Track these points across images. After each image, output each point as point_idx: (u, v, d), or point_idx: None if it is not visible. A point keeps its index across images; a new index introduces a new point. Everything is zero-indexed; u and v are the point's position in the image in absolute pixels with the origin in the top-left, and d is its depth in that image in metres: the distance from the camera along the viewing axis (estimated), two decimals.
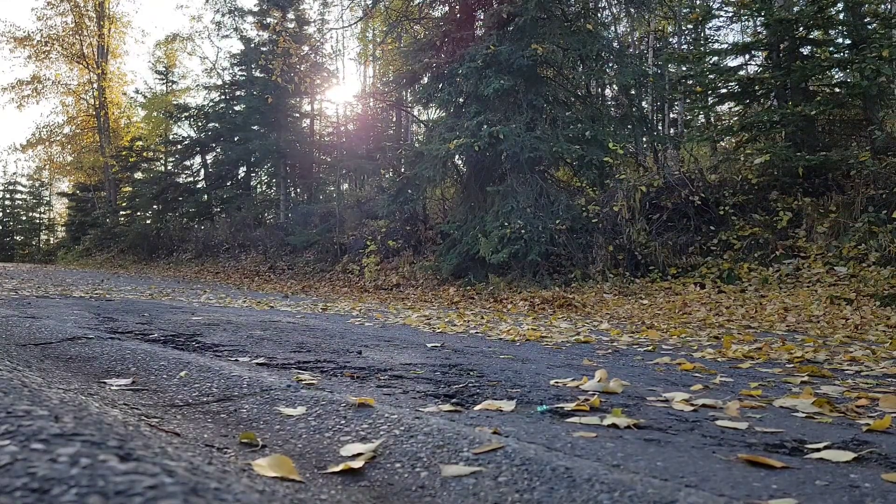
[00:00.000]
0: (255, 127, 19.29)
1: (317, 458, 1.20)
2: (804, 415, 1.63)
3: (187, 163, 23.46)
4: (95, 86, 27.26)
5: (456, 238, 10.00)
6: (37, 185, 40.04)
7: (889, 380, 2.33)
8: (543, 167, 9.90)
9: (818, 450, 1.25)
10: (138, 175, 25.83)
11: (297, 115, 20.41)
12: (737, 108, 11.55)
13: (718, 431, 1.42)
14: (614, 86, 12.91)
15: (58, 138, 29.21)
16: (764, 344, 3.40)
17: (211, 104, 21.87)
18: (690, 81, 10.23)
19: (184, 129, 23.83)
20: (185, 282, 12.64)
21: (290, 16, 19.35)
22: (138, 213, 24.34)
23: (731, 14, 13.45)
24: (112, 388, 1.74)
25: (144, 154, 25.48)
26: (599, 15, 12.25)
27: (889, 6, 12.28)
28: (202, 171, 22.88)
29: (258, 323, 3.70)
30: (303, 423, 1.39)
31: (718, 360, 2.82)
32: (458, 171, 11.35)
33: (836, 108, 9.03)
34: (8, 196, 38.89)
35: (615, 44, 12.91)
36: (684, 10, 14.09)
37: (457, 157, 10.62)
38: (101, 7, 26.79)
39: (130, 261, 21.13)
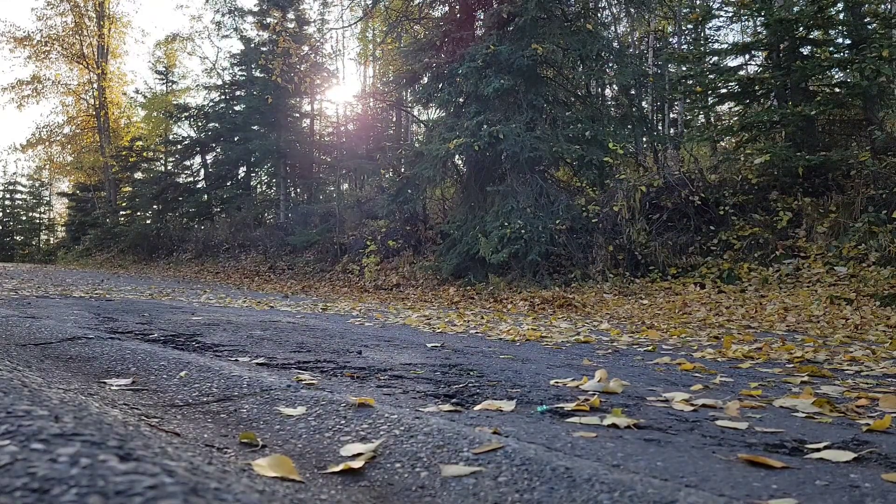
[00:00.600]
0: (255, 127, 19.30)
1: (317, 458, 1.20)
2: (804, 415, 1.63)
3: (187, 163, 23.47)
4: (95, 86, 27.27)
5: (456, 238, 10.00)
6: (37, 185, 40.04)
7: (889, 380, 2.33)
8: (543, 167, 9.90)
9: (818, 450, 1.25)
10: (138, 175, 25.83)
11: (297, 115, 20.41)
12: (737, 108, 11.55)
13: (718, 431, 1.42)
14: (614, 86, 12.92)
15: (58, 138, 29.21)
16: (764, 344, 3.40)
17: (211, 104, 21.88)
18: (690, 81, 10.23)
19: (184, 129, 23.83)
20: (185, 282, 12.64)
21: (290, 16, 19.35)
22: (138, 213, 24.34)
23: (731, 14, 13.45)
24: (112, 388, 1.74)
25: (144, 154, 25.47)
26: (599, 15, 12.24)
27: (889, 6, 12.28)
28: (202, 171, 22.88)
29: (258, 323, 3.70)
30: (303, 423, 1.39)
31: (718, 360, 2.82)
32: (458, 171, 11.35)
33: (836, 108, 9.04)
34: (8, 196, 38.89)
35: (615, 44, 12.90)
36: (684, 10, 14.09)
37: (457, 157, 10.63)
38: (101, 7, 26.79)
39: (130, 261, 21.13)
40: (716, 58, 10.92)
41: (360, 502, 0.99)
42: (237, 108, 20.87)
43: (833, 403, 1.74)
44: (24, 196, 39.51)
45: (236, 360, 2.22)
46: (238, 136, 19.47)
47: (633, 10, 11.22)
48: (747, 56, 10.57)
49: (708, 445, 1.28)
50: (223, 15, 21.04)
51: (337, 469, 1.12)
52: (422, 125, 17.98)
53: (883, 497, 0.98)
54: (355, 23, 18.57)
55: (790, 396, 1.85)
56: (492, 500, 0.97)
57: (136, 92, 27.67)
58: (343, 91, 26.03)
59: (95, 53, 26.85)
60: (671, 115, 15.92)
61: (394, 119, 20.68)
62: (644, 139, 12.42)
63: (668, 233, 8.96)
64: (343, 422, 1.37)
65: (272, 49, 17.94)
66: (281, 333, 3.21)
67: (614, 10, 13.13)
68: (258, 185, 22.88)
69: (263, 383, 1.72)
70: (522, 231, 8.73)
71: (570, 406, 1.60)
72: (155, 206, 22.44)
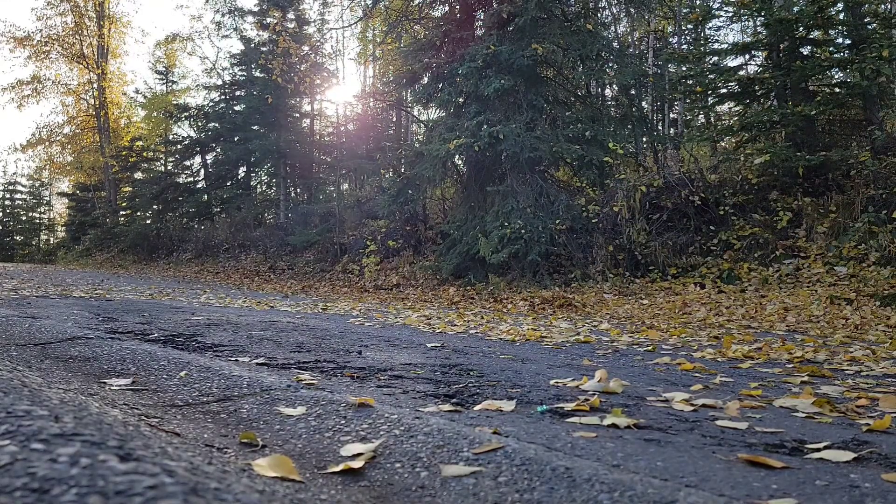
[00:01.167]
0: (255, 127, 19.30)
1: (317, 458, 1.20)
2: (804, 415, 1.63)
3: (187, 163, 23.47)
4: (95, 86, 27.27)
5: (456, 238, 9.99)
6: (37, 185, 40.05)
7: (889, 380, 2.33)
8: (543, 167, 9.90)
9: (818, 450, 1.25)
10: (138, 175, 25.83)
11: (297, 115, 20.41)
12: (737, 108, 11.56)
13: (718, 431, 1.42)
14: (614, 86, 12.92)
15: (58, 138, 29.21)
16: (764, 344, 3.40)
17: (211, 104, 21.88)
18: (690, 81, 10.23)
19: (184, 129, 23.84)
20: (185, 282, 12.64)
21: (290, 16, 19.35)
22: (138, 213, 24.34)
23: (731, 14, 13.44)
24: (112, 388, 1.74)
25: (144, 154, 25.48)
26: (599, 15, 12.25)
27: (889, 6, 12.28)
28: (202, 171, 22.88)
29: (258, 323, 3.70)
30: (303, 423, 1.39)
31: (718, 360, 2.82)
32: (458, 171, 11.35)
33: (836, 108, 9.03)
34: (8, 196, 38.89)
35: (615, 44, 12.91)
36: (684, 10, 14.09)
37: (457, 157, 10.62)
38: (101, 7, 26.79)
39: (130, 261, 21.13)
40: (716, 58, 10.92)
41: (360, 502, 0.99)
42: (237, 108, 20.87)
43: (833, 403, 1.74)
44: (24, 196, 39.51)
45: (236, 360, 2.22)
46: (238, 136, 19.47)
47: (633, 10, 11.23)
48: (747, 56, 10.57)
49: (708, 445, 1.28)
50: (223, 15, 21.05)
51: (337, 469, 1.12)
52: (422, 125, 17.98)
53: (883, 497, 0.98)
54: (355, 23, 18.57)
55: (790, 396, 1.85)
56: (492, 500, 0.97)
57: (136, 92, 27.69)
58: (343, 91, 26.04)
59: (95, 53, 26.84)
60: (671, 115, 15.92)
61: (394, 119, 20.68)
62: (644, 139, 12.43)
63: (668, 233, 8.96)
64: (343, 422, 1.37)
65: (272, 49, 17.93)
66: (281, 333, 3.21)
67: (614, 10, 13.13)
68: (258, 185, 22.88)
69: (263, 383, 1.72)
70: (522, 231, 8.72)
71: (570, 406, 1.60)
72: (155, 206, 22.44)
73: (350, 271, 13.01)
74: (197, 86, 24.06)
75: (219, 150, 21.66)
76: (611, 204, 9.39)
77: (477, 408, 1.58)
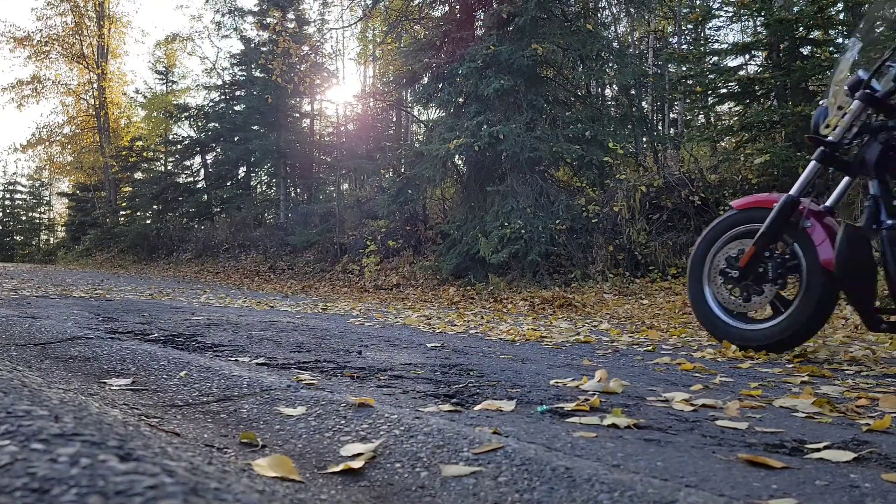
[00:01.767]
0: (255, 127, 19.30)
1: (317, 458, 1.20)
2: (804, 415, 1.63)
3: (187, 163, 23.47)
4: (95, 86, 27.28)
5: (456, 238, 9.99)
6: (37, 185, 40.05)
7: (889, 380, 2.33)
8: (543, 167, 9.90)
9: (818, 450, 1.25)
10: (138, 175, 25.84)
11: (297, 115, 20.42)
12: (737, 108, 11.55)
13: (718, 431, 1.42)
14: (614, 86, 12.91)
15: (58, 138, 29.22)
16: None
17: (211, 104, 21.88)
18: (690, 81, 10.23)
19: (184, 129, 23.84)
20: (185, 282, 12.64)
21: (290, 16, 19.36)
22: (138, 213, 24.34)
23: (731, 14, 13.44)
24: (112, 388, 1.74)
25: (144, 154, 25.48)
26: (599, 15, 12.25)
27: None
28: (202, 171, 22.88)
29: (258, 323, 3.70)
30: (303, 423, 1.39)
31: (718, 360, 2.82)
32: (458, 171, 11.34)
33: None
34: (8, 196, 38.90)
35: (615, 44, 12.91)
36: (684, 10, 14.10)
37: (457, 157, 10.62)
38: (101, 7, 26.80)
39: (130, 261, 21.13)
40: (716, 58, 10.92)
41: (360, 502, 0.99)
42: (237, 108, 20.88)
43: (833, 403, 1.74)
44: (24, 196, 39.52)
45: (236, 360, 2.22)
46: (238, 136, 19.47)
47: (633, 10, 11.23)
48: (747, 56, 10.57)
49: (708, 445, 1.28)
50: (223, 15, 21.05)
51: (337, 469, 1.12)
52: (422, 125, 17.98)
53: (883, 497, 0.98)
54: (355, 23, 18.57)
55: (790, 396, 1.86)
56: (492, 500, 0.97)
57: (136, 92, 27.70)
58: (343, 91, 26.04)
59: (95, 53, 26.85)
60: (671, 115, 15.92)
61: (394, 119, 20.68)
62: (644, 139, 12.43)
63: (668, 233, 8.96)
64: (343, 422, 1.37)
65: (272, 49, 17.94)
66: (281, 333, 3.21)
67: (614, 10, 13.13)
68: (258, 185, 22.88)
69: (263, 383, 1.72)
70: (522, 231, 8.72)
71: (570, 406, 1.60)
72: (155, 206, 22.44)
73: (350, 271, 13.02)
74: (197, 86, 24.08)
75: (219, 150, 21.66)
76: (611, 204, 9.39)
77: (477, 408, 1.58)
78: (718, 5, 13.49)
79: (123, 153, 25.67)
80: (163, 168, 24.52)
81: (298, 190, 20.81)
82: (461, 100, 10.23)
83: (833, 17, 9.34)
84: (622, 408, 1.60)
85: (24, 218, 38.65)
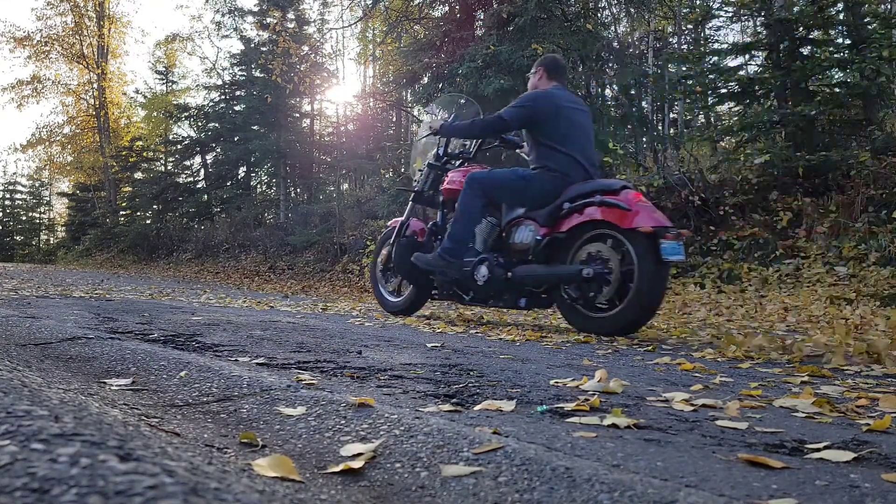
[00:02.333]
0: (255, 127, 19.30)
1: (317, 458, 1.20)
2: (804, 415, 1.63)
3: (187, 163, 23.48)
4: (95, 86, 27.28)
5: None
6: (37, 185, 40.06)
7: (889, 380, 2.33)
8: None
9: (818, 450, 1.25)
10: (138, 175, 25.84)
11: (297, 115, 20.42)
12: (737, 108, 11.56)
13: (718, 431, 1.42)
14: (614, 86, 12.91)
15: (58, 138, 29.22)
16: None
17: (211, 104, 21.87)
18: (690, 81, 10.23)
19: (184, 129, 23.84)
20: (185, 282, 12.64)
21: (290, 16, 19.36)
22: (138, 213, 24.35)
23: (731, 14, 13.45)
24: (112, 388, 1.74)
25: (144, 154, 25.48)
26: (599, 15, 12.25)
27: (889, 6, 12.29)
28: (202, 171, 22.88)
29: (258, 323, 3.70)
30: (303, 423, 1.39)
31: (718, 360, 2.82)
32: None
33: (836, 108, 9.03)
34: (8, 196, 38.90)
35: (615, 44, 12.91)
36: (684, 10, 14.10)
37: None
38: (101, 7, 26.80)
39: (130, 261, 21.13)
40: (716, 58, 10.92)
41: (360, 502, 0.99)
42: (237, 108, 20.87)
43: (833, 403, 1.74)
44: (24, 196, 39.53)
45: (236, 360, 2.22)
46: (238, 136, 19.47)
47: (633, 10, 11.23)
48: (747, 56, 10.57)
49: (708, 445, 1.28)
50: (223, 15, 21.00)
51: (337, 469, 1.12)
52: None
53: (883, 497, 0.98)
54: (355, 23, 18.57)
55: (790, 396, 1.86)
56: (492, 500, 0.97)
57: (136, 92, 27.69)
58: (343, 91, 26.04)
59: (95, 53, 26.85)
60: (671, 115, 15.92)
61: (394, 119, 20.68)
62: (644, 139, 12.43)
63: None
64: (343, 422, 1.37)
65: (272, 49, 17.94)
66: (281, 333, 3.21)
67: (614, 10, 13.13)
68: (258, 185, 22.89)
69: (263, 383, 1.72)
70: None
71: (570, 406, 1.60)
72: (155, 206, 22.45)
73: (350, 271, 13.02)
74: (197, 86, 24.07)
75: (219, 150, 21.66)
76: None
77: (477, 408, 1.58)
78: (718, 5, 13.49)
79: (123, 153, 25.67)
80: (163, 168, 24.52)
81: (298, 190, 20.82)
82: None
83: (833, 17, 9.35)
84: (622, 408, 1.60)
85: (24, 218, 38.65)
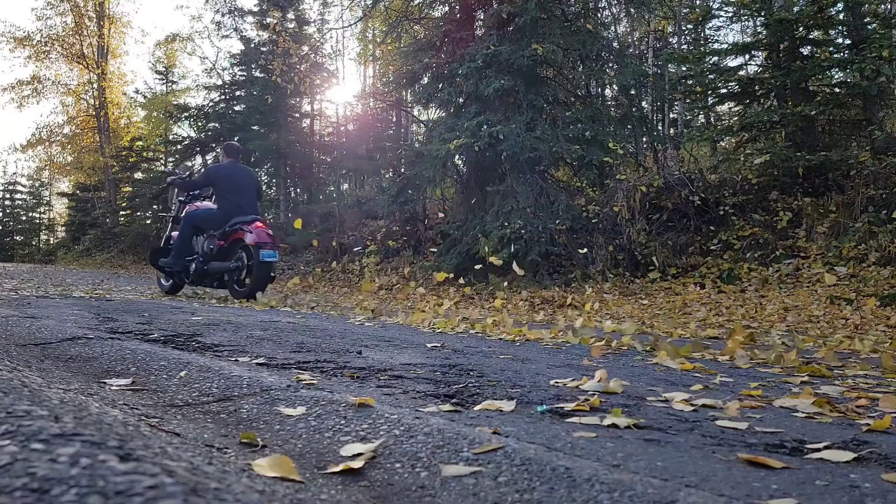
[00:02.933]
0: (255, 127, 19.28)
1: (317, 458, 1.20)
2: (804, 415, 1.63)
3: (187, 163, 23.45)
4: (95, 86, 27.25)
5: (456, 238, 9.99)
6: (37, 185, 40.04)
7: (889, 380, 2.33)
8: (543, 167, 9.89)
9: (818, 450, 1.25)
10: (138, 175, 25.84)
11: (297, 115, 20.40)
12: (737, 108, 11.56)
13: (718, 431, 1.42)
14: (614, 86, 12.90)
15: (58, 138, 29.21)
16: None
17: (211, 104, 21.85)
18: (690, 81, 10.24)
19: (184, 129, 23.82)
20: None
21: (290, 16, 19.34)
22: (138, 213, 24.34)
23: (731, 14, 13.45)
24: (112, 388, 1.74)
25: (144, 154, 25.48)
26: (599, 15, 12.25)
27: (889, 6, 12.28)
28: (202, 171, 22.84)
29: (258, 323, 3.70)
30: (303, 423, 1.39)
31: (718, 360, 2.82)
32: (458, 171, 11.34)
33: (836, 108, 9.04)
34: (8, 196, 38.89)
35: (615, 44, 12.90)
36: (684, 10, 14.10)
37: (457, 157, 10.62)
38: (101, 7, 26.78)
39: (130, 261, 21.13)
40: (716, 58, 10.92)
41: (360, 502, 0.99)
42: (237, 108, 20.85)
43: (833, 403, 1.74)
44: (24, 196, 39.50)
45: (236, 360, 2.22)
46: (238, 136, 19.45)
47: (633, 10, 11.21)
48: (747, 56, 10.58)
49: (708, 445, 1.28)
50: (223, 15, 20.97)
51: (337, 469, 1.12)
52: (422, 125, 17.98)
53: (883, 497, 0.98)
54: (355, 23, 18.55)
55: (790, 396, 1.86)
56: (492, 500, 0.97)
57: (136, 92, 27.68)
58: (343, 91, 26.05)
59: (95, 53, 26.83)
60: (671, 115, 15.92)
61: (394, 119, 20.67)
62: (644, 139, 12.43)
63: (668, 233, 8.96)
64: (343, 422, 1.37)
65: (272, 49, 17.93)
66: (281, 333, 3.21)
67: (614, 10, 13.13)
68: None
69: (263, 383, 1.72)
70: (522, 231, 8.72)
71: (570, 406, 1.60)
72: (155, 206, 22.44)
73: (350, 271, 13.02)
74: (197, 86, 24.06)
75: (219, 150, 21.64)
76: (611, 204, 9.39)
77: (477, 408, 1.58)
78: (718, 5, 13.50)
79: (123, 153, 25.67)
80: (163, 168, 24.51)
81: (298, 190, 20.81)
82: (461, 100, 10.23)
83: (833, 17, 9.35)
84: (622, 408, 1.60)
85: (24, 218, 38.64)
